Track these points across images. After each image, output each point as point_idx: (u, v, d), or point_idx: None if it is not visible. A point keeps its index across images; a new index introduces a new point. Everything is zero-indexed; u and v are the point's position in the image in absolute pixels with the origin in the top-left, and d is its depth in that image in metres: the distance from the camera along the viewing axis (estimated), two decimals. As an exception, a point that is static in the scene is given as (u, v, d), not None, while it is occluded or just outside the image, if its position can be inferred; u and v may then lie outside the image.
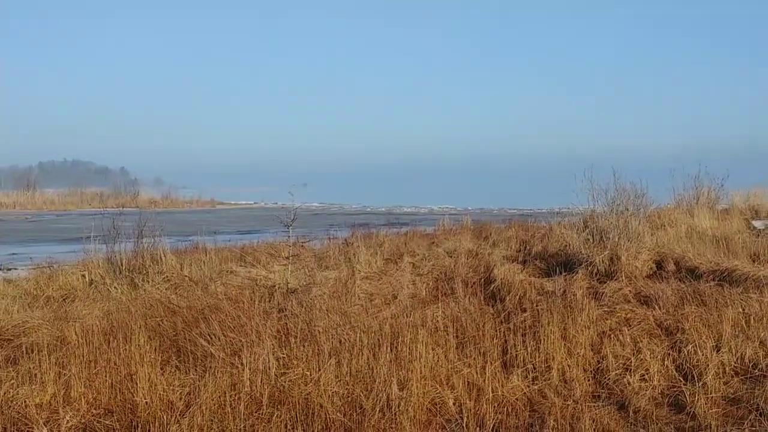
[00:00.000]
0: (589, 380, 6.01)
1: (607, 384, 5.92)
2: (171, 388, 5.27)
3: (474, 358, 5.97)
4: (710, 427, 4.92)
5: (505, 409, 5.25)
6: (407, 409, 4.89)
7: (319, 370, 5.48)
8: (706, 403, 5.31)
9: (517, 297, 8.85)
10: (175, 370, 5.76)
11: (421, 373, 5.45)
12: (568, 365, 6.13)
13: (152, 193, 50.01)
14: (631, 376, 5.95)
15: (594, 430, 4.77)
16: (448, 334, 6.54)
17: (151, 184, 68.41)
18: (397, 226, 19.90)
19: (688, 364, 6.14)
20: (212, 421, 4.78)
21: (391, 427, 4.73)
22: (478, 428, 4.91)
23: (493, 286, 9.80)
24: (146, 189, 53.21)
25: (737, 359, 6.26)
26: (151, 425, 4.76)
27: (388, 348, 5.92)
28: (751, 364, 6.19)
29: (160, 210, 31.75)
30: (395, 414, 4.85)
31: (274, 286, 9.44)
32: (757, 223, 17.91)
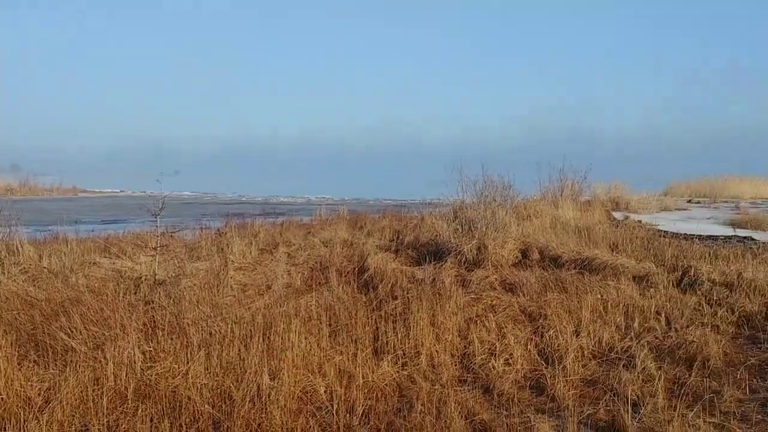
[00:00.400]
0: (456, 365, 6.18)
1: (473, 368, 6.11)
2: (29, 383, 5.01)
3: (346, 346, 6.02)
4: (568, 408, 5.16)
5: (375, 394, 5.32)
6: (278, 399, 4.86)
7: (188, 362, 5.36)
8: (565, 386, 5.57)
9: (389, 285, 8.99)
10: (34, 365, 5.47)
11: (293, 362, 5.44)
12: (437, 351, 6.28)
13: (8, 179, 46.91)
14: (495, 360, 6.16)
15: (459, 413, 4.91)
16: (321, 322, 6.56)
17: (7, 170, 64.11)
18: (274, 216, 19.72)
19: (549, 349, 6.44)
20: (73, 416, 4.59)
21: (261, 417, 4.69)
22: (348, 414, 4.95)
23: (366, 274, 9.91)
24: (2, 176, 49.78)
25: (595, 343, 6.65)
26: (6, 422, 4.51)
27: (261, 338, 5.87)
28: (608, 347, 6.59)
29: (17, 198, 29.93)
30: (265, 403, 4.82)
31: (141, 277, 9.11)
32: (617, 215, 19.10)
